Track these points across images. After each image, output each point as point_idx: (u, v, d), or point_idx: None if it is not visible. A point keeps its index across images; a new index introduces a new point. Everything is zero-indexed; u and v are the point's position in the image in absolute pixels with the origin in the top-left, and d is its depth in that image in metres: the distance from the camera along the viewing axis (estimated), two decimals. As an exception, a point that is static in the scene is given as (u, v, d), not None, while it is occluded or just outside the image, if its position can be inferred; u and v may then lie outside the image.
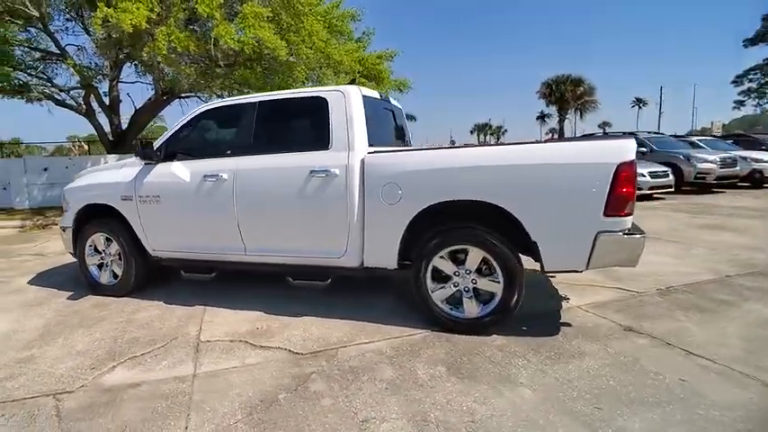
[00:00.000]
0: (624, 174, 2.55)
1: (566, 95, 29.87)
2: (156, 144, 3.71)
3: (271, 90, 12.70)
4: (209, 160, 3.51)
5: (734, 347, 2.64)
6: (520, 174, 2.72)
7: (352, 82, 13.89)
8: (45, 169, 12.60)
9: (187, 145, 3.67)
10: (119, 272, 3.95)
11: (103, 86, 13.00)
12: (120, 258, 3.92)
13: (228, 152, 3.48)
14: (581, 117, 32.04)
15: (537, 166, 2.70)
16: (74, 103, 12.71)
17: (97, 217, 3.95)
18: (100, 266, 4.04)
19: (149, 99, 13.35)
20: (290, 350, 2.79)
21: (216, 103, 3.79)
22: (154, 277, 4.11)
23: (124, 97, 12.28)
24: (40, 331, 3.21)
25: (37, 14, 10.47)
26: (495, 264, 2.84)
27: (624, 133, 15.77)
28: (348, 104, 3.17)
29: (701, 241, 5.56)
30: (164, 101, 13.24)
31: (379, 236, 3.08)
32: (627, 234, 2.63)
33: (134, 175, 3.72)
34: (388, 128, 3.91)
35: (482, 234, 2.84)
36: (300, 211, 3.22)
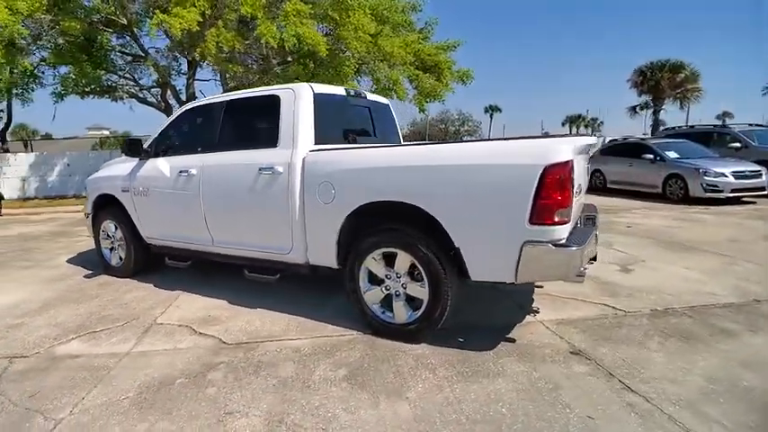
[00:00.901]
0: (552, 178, 2.29)
1: (661, 84, 26.40)
2: (148, 141, 4.13)
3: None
4: (184, 156, 3.82)
5: (688, 386, 2.25)
6: (440, 175, 2.57)
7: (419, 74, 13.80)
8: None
9: (170, 142, 4.04)
10: (123, 256, 4.49)
11: (179, 84, 14.57)
12: (124, 243, 4.45)
13: (199, 149, 3.75)
14: (681, 107, 28.10)
15: (458, 167, 2.53)
16: (154, 100, 14.42)
17: (108, 205, 4.51)
18: (111, 249, 4.63)
19: (218, 96, 14.62)
20: (220, 339, 2.98)
21: (195, 102, 4.10)
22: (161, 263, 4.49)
23: (199, 95, 13.48)
24: (42, 303, 3.80)
25: (125, 22, 12.04)
26: (421, 269, 2.72)
27: (723, 125, 13.69)
28: (296, 102, 3.23)
29: (756, 256, 4.69)
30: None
31: (318, 234, 3.12)
32: (558, 245, 2.35)
33: (131, 170, 4.18)
34: (358, 125, 3.90)
35: (408, 237, 2.74)
36: (252, 206, 3.38)
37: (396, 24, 13.90)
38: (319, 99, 3.33)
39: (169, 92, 13.85)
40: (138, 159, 4.16)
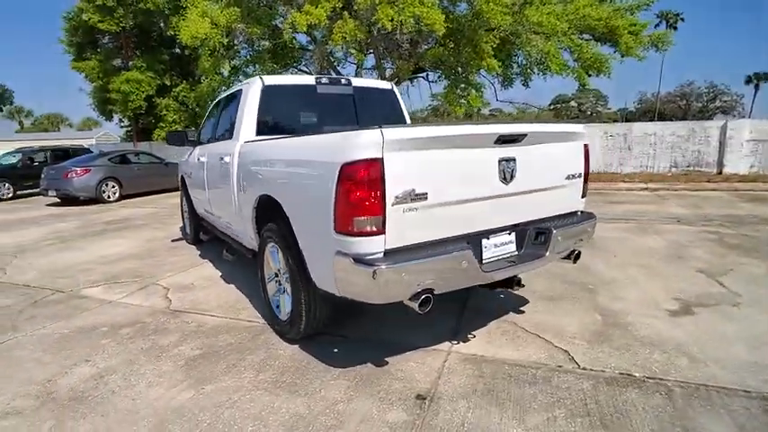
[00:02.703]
0: (348, 179, 1.96)
1: None
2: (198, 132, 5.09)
3: (462, 66, 12.87)
4: (203, 146, 4.58)
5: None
6: (282, 170, 2.46)
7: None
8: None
9: (200, 133, 4.86)
10: (188, 226, 5.69)
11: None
12: (189, 217, 5.63)
13: (208, 139, 4.43)
14: None
15: (287, 162, 2.41)
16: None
17: (183, 185, 5.76)
18: (184, 221, 5.91)
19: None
20: (169, 305, 3.60)
21: (217, 96, 4.80)
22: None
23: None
24: (117, 257, 5.22)
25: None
26: (287, 268, 2.68)
27: None
28: (245, 95, 3.50)
29: None
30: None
31: (244, 222, 3.37)
32: (360, 261, 2.00)
33: (186, 157, 5.24)
34: (330, 114, 3.87)
35: (279, 234, 2.72)
36: (222, 193, 3.85)
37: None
38: (270, 91, 3.50)
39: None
40: (191, 147, 5.17)
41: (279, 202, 2.60)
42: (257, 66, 14.65)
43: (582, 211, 2.94)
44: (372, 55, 14.04)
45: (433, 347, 2.71)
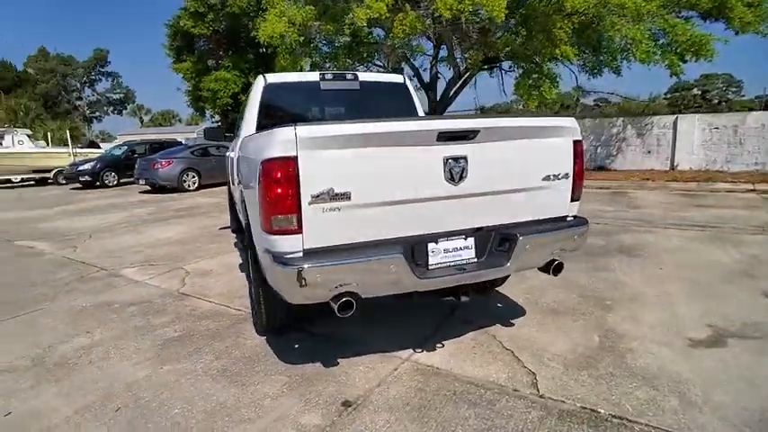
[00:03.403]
0: (266, 176, 1.98)
1: None
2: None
3: (535, 55, 12.06)
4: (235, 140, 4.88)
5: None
6: (242, 167, 2.54)
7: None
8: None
9: (236, 128, 5.19)
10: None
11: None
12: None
13: (234, 134, 4.72)
14: None
15: (242, 158, 2.45)
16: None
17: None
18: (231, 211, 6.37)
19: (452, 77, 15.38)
20: (180, 287, 3.92)
21: None
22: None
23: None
24: (166, 242, 5.79)
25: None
26: (253, 261, 2.78)
27: None
28: (250, 93, 3.66)
29: None
30: (462, 77, 14.63)
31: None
32: (278, 261, 2.01)
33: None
34: (333, 109, 3.89)
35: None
36: (234, 186, 4.09)
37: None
38: (272, 89, 3.63)
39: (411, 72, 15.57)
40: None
41: (243, 196, 2.70)
42: (333, 62, 15.12)
43: (575, 216, 2.60)
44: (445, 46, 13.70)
45: (394, 353, 2.62)
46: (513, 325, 2.94)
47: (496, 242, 2.35)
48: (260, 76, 3.69)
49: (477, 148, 2.18)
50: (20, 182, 16.11)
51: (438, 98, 15.19)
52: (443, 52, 14.41)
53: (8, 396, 2.32)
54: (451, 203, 2.20)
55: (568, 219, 2.56)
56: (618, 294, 3.38)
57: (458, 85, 14.69)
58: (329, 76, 3.85)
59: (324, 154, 1.94)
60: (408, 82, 4.20)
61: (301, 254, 2.00)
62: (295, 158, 1.90)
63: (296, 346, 2.77)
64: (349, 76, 3.94)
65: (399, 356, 2.59)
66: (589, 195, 7.34)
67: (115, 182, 14.22)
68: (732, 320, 2.87)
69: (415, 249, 2.18)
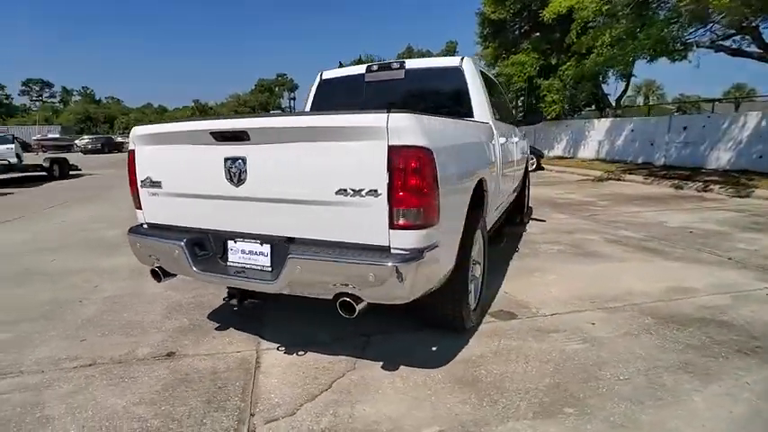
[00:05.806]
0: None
1: None
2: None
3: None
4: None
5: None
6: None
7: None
8: (684, 128, 13.78)
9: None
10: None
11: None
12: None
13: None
14: None
15: None
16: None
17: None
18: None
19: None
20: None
21: None
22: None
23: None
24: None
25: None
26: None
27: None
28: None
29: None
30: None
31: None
32: (131, 229, 2.72)
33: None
34: (376, 100, 3.88)
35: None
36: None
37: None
38: (326, 84, 4.10)
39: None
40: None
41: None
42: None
43: (408, 250, 1.92)
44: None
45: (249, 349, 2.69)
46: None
47: (284, 256, 2.16)
48: (320, 72, 4.17)
49: (254, 149, 2.09)
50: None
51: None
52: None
53: None
54: (241, 205, 2.22)
55: (394, 251, 1.94)
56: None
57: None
58: (375, 68, 3.91)
59: (149, 148, 2.47)
60: (469, 64, 3.61)
61: (146, 226, 2.61)
62: (134, 151, 2.51)
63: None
64: (394, 66, 3.85)
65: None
66: None
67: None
68: None
69: (211, 243, 2.37)
